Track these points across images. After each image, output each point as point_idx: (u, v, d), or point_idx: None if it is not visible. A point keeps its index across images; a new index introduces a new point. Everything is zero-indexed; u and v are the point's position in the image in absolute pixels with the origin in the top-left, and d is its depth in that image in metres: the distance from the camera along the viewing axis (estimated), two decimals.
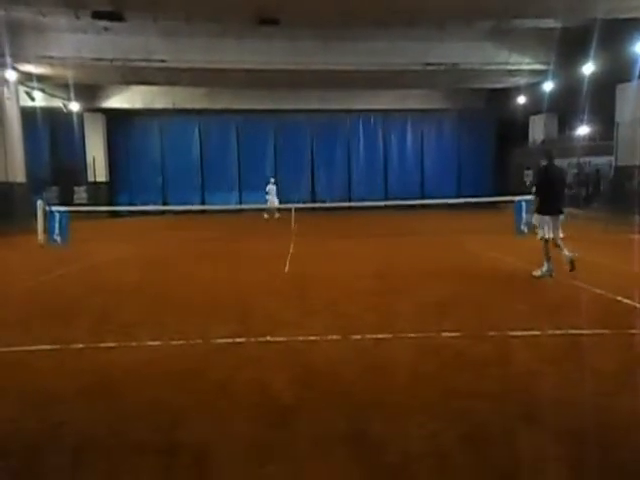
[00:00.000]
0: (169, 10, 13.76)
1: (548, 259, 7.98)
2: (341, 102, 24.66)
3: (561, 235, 7.90)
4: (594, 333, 5.24)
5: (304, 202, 23.56)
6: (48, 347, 5.03)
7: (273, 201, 20.82)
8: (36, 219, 13.47)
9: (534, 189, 8.03)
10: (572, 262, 7.72)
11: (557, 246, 7.91)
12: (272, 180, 21.87)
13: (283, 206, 19.16)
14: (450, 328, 5.37)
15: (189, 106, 24.61)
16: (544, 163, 8.15)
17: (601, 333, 5.25)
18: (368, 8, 13.39)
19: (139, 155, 26.80)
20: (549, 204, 7.82)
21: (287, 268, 9.45)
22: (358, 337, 5.16)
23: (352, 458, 2.99)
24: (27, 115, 18.33)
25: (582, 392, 3.86)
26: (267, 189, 21.44)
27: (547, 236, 7.86)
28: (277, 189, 21.57)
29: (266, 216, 20.34)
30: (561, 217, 7.89)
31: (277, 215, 20.48)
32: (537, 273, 8.02)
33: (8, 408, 3.77)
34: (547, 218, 7.85)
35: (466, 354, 4.65)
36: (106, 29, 14.99)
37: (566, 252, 7.81)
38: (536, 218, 8.03)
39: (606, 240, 12.63)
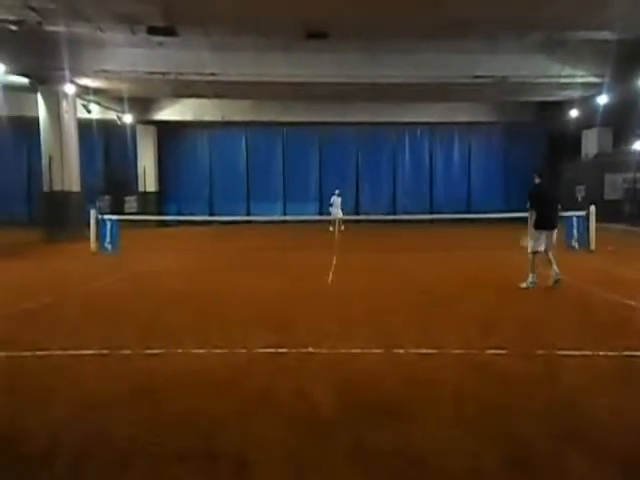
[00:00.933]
0: (220, 25, 14.10)
1: (533, 271, 8.35)
2: (387, 115, 24.58)
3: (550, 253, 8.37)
4: None
5: (348, 214, 23.42)
6: (97, 352, 5.16)
7: (337, 213, 20.68)
8: (89, 227, 13.94)
9: (528, 205, 8.43)
10: (557, 281, 8.22)
11: (549, 260, 8.35)
12: (337, 192, 21.28)
13: (326, 218, 19.07)
14: (495, 345, 5.22)
15: (237, 118, 25.05)
16: (537, 181, 8.69)
17: None
18: (416, 21, 13.36)
19: (188, 166, 27.44)
20: (545, 219, 8.31)
21: (330, 279, 9.43)
22: (401, 351, 5.09)
23: (390, 473, 2.94)
24: (83, 127, 19.05)
25: (633, 416, 3.68)
26: (331, 200, 21.07)
27: (539, 249, 8.30)
28: (342, 201, 21.12)
29: (331, 228, 19.85)
30: (555, 232, 8.48)
31: (342, 227, 20.08)
32: (523, 285, 8.37)
33: (56, 410, 3.87)
34: (544, 232, 8.32)
35: (512, 372, 4.51)
36: (160, 44, 15.47)
37: (555, 268, 8.27)
38: (532, 233, 8.38)
39: None
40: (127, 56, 16.39)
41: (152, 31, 13.29)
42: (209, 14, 12.96)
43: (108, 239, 13.74)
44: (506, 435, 3.37)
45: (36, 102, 17.48)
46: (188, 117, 24.86)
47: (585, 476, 2.90)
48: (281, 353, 5.06)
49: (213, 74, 16.89)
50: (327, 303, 7.51)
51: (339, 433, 3.41)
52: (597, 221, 13.21)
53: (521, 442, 3.27)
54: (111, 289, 8.86)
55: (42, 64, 15.95)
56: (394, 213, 26.44)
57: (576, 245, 13.16)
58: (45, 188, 17.58)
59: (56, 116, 17.34)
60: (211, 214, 26.24)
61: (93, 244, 13.64)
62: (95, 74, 16.91)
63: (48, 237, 16.83)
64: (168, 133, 26.45)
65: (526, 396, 4.01)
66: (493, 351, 5.06)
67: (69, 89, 17.22)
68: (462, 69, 17.09)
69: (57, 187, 17.47)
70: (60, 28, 13.79)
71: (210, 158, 27.60)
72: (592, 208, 13.17)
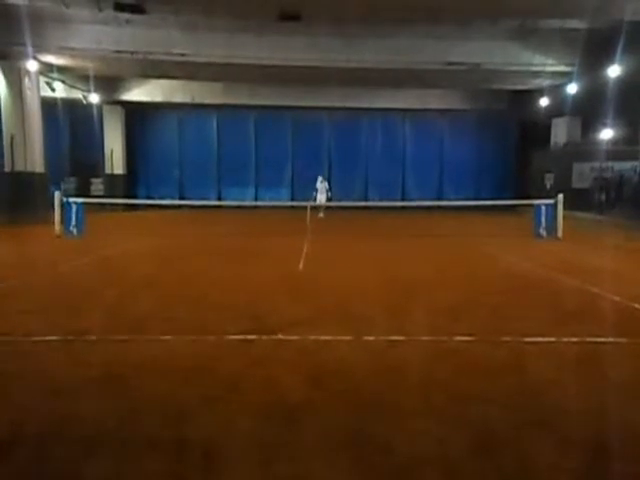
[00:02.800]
0: (190, 4, 13.78)
1: None
2: (360, 100, 24.52)
3: None
4: (610, 341, 5.11)
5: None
6: (62, 337, 5.03)
7: (321, 199, 20.46)
8: (53, 210, 13.57)
9: None
10: None
11: None
12: (320, 178, 21.23)
13: (297, 204, 18.94)
14: (464, 332, 5.26)
15: (208, 101, 24.67)
16: None
17: (618, 342, 5.11)
18: (390, 5, 13.27)
19: (157, 148, 26.98)
20: None
21: (301, 267, 9.38)
22: (371, 338, 5.08)
23: (357, 459, 2.94)
24: (47, 106, 18.49)
25: (596, 401, 3.74)
26: (316, 186, 20.93)
27: None
28: (328, 186, 20.98)
29: (321, 214, 19.72)
30: None
31: (321, 214, 19.71)
32: None
33: (20, 396, 3.77)
34: None
35: (479, 359, 4.55)
36: (127, 22, 15.04)
37: None
38: None
39: (628, 247, 12.37)
40: (93, 33, 15.90)
41: (119, 8, 12.92)
42: None
43: (73, 222, 13.40)
44: (473, 422, 3.38)
45: None
46: (157, 98, 24.37)
47: (550, 461, 2.93)
48: (251, 340, 5.00)
49: (183, 55, 16.54)
50: (298, 290, 7.47)
51: (308, 420, 3.39)
52: (565, 209, 13.44)
53: (487, 429, 3.29)
54: (76, 273, 8.64)
55: (3, 39, 15.38)
56: (366, 199, 26.51)
57: (544, 233, 13.39)
58: (6, 168, 17.04)
59: (18, 94, 16.77)
60: (181, 198, 25.91)
61: (57, 227, 13.28)
62: (59, 51, 16.38)
63: (10, 219, 16.31)
64: (136, 114, 25.90)
65: (492, 383, 4.05)
66: (461, 338, 5.09)
67: (31, 66, 16.65)
68: (435, 55, 17.12)
69: (19, 167, 16.97)
70: (22, 1, 13.30)
71: (180, 141, 27.18)
72: (560, 196, 13.39)
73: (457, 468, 2.87)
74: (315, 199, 20.23)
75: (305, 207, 14.87)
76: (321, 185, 20.91)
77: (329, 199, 20.56)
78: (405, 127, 27.77)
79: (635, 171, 18.40)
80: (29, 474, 2.84)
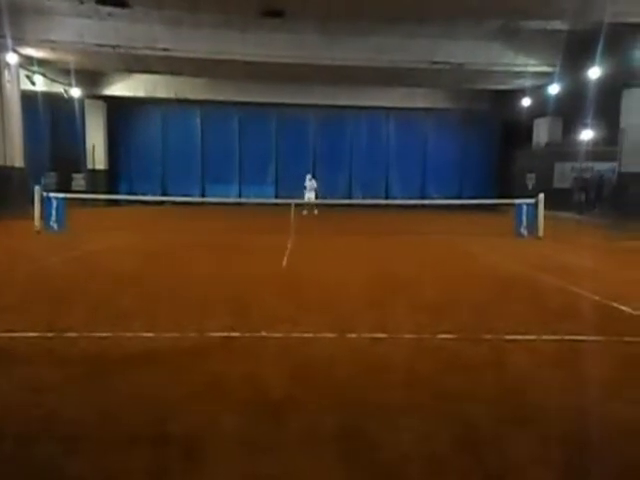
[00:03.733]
0: None
1: None
2: (345, 98, 24.55)
3: None
4: (590, 339, 5.19)
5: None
6: (42, 334, 4.96)
7: (310, 197, 20.65)
8: (33, 205, 13.36)
9: None
10: None
11: None
12: (308, 176, 21.44)
13: (281, 201, 19.00)
14: (446, 330, 5.30)
15: (191, 96, 24.50)
16: None
17: (597, 340, 5.19)
18: (376, 3, 13.29)
19: (139, 144, 26.72)
20: None
21: (284, 263, 9.37)
22: (353, 336, 5.09)
23: (341, 456, 2.95)
24: (27, 99, 18.20)
25: (575, 398, 3.80)
26: (305, 184, 21.13)
27: None
28: (317, 185, 21.20)
29: (305, 212, 20.00)
30: None
31: (315, 211, 20.32)
32: None
33: None
34: None
35: (461, 356, 4.58)
36: (110, 15, 14.85)
37: None
38: None
39: (607, 247, 12.57)
40: (74, 26, 15.68)
41: (101, 1, 12.75)
42: None
43: (54, 218, 13.23)
44: (456, 419, 3.41)
45: None
46: (140, 93, 24.13)
47: (531, 456, 2.97)
48: (234, 337, 4.98)
49: (166, 49, 16.40)
50: (281, 287, 7.46)
51: (291, 418, 3.39)
52: (546, 209, 13.60)
53: (470, 426, 3.32)
54: (56, 269, 8.53)
55: None
56: (350, 197, 26.56)
57: (525, 232, 13.55)
58: None
59: None
60: (164, 194, 25.70)
61: (37, 222, 13.09)
62: (39, 44, 16.14)
63: None
64: (119, 109, 25.62)
65: (474, 380, 4.08)
66: (443, 335, 5.12)
67: (11, 58, 16.38)
68: (420, 54, 17.20)
69: None
70: None
71: (163, 137, 26.97)
72: (541, 196, 13.55)
73: (442, 463, 2.90)
74: (304, 197, 20.36)
75: (289, 204, 14.85)
76: (309, 183, 21.04)
77: (317, 197, 20.65)
78: (389, 125, 27.88)
79: (614, 172, 18.69)
80: (10, 473, 2.80)
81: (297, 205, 15.92)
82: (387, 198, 26.51)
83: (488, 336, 5.16)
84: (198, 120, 27.08)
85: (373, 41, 16.75)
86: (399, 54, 17.10)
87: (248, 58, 16.99)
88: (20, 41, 15.85)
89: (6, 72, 16.52)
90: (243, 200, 24.96)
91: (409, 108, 26.19)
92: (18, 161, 17.14)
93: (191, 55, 16.87)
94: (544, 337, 5.17)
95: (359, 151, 27.63)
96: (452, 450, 3.02)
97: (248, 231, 15.16)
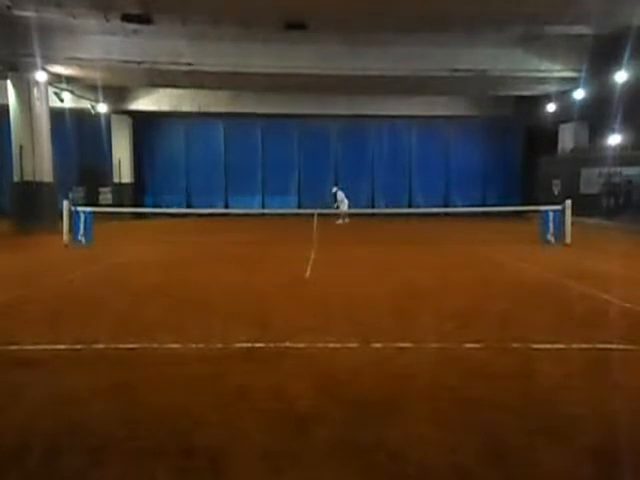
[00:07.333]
0: (197, 14, 13.86)
1: None
2: (367, 108, 24.55)
3: None
4: (620, 348, 5.06)
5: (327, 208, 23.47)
6: (70, 346, 5.03)
7: (343, 207, 21.19)
8: (62, 219, 13.63)
9: None
10: None
11: None
12: (335, 188, 22.11)
13: (304, 211, 19.06)
14: (472, 339, 5.22)
15: (214, 109, 24.76)
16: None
17: (628, 349, 5.06)
18: (396, 13, 13.30)
19: (164, 157, 27.11)
20: None
21: (308, 273, 9.37)
22: (378, 345, 5.06)
23: (368, 468, 2.91)
24: (55, 116, 18.60)
25: (607, 409, 3.70)
26: (337, 196, 21.73)
27: None
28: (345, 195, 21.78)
29: (340, 221, 20.62)
30: None
31: (346, 219, 20.98)
32: None
33: (28, 405, 3.76)
34: None
35: (488, 366, 4.51)
36: (135, 32, 15.15)
37: None
38: None
39: (637, 253, 12.27)
40: (101, 44, 16.03)
41: (127, 18, 13.02)
42: (186, 2, 12.74)
43: (82, 231, 13.47)
44: (483, 430, 3.35)
45: (6, 89, 17.02)
46: (164, 107, 24.50)
47: (559, 470, 2.89)
48: (259, 348, 4.99)
49: (190, 64, 16.63)
50: (305, 297, 7.45)
51: (317, 429, 3.36)
52: (573, 215, 13.37)
53: (498, 437, 3.26)
54: (85, 282, 8.67)
55: (12, 50, 15.53)
56: (373, 206, 26.51)
57: (552, 239, 13.32)
58: (16, 178, 17.17)
59: (27, 104, 16.90)
60: (188, 206, 26.02)
61: (66, 236, 13.34)
62: (67, 61, 16.52)
63: (19, 229, 16.44)
64: (144, 123, 26.05)
65: (502, 390, 4.01)
66: (470, 345, 5.05)
67: (40, 77, 16.78)
68: (442, 62, 17.13)
69: (28, 177, 17.07)
70: (30, 13, 13.44)
71: (187, 149, 27.31)
72: (568, 202, 13.32)
73: (468, 476, 2.84)
74: (337, 207, 21.21)
75: (312, 214, 14.85)
76: (340, 194, 21.68)
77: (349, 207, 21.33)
78: (411, 134, 27.76)
79: None
80: None
81: (319, 215, 15.96)
82: (410, 207, 26.36)
83: (516, 345, 5.07)
84: (221, 132, 27.36)
85: (394, 51, 16.75)
86: (420, 63, 17.05)
87: (270, 70, 17.13)
88: (49, 59, 16.26)
89: (35, 90, 16.94)
90: (266, 211, 25.10)
91: (431, 116, 26.04)
92: (47, 176, 17.51)
93: (214, 69, 17.08)
94: (574, 346, 5.06)
95: (381, 160, 27.55)
96: (478, 462, 2.96)
97: (271, 242, 15.22)
